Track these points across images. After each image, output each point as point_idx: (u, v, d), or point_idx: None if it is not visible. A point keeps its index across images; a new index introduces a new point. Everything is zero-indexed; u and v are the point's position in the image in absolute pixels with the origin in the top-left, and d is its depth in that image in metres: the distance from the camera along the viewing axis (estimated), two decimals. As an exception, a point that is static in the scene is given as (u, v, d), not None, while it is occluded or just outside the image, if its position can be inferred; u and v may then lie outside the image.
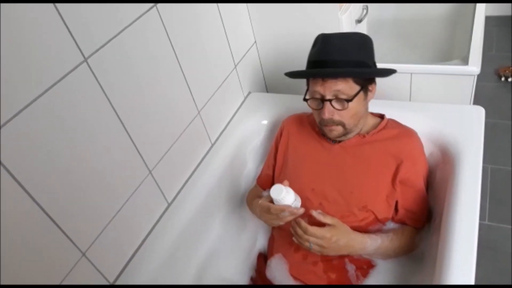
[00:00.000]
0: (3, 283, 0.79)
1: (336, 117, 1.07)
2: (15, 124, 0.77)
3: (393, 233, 1.10)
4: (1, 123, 0.75)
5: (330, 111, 1.06)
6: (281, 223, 1.07)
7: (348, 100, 1.04)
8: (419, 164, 1.14)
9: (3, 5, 0.73)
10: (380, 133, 1.15)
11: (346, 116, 1.07)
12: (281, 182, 1.24)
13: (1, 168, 0.76)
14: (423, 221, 1.15)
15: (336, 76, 1.03)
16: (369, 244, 1.06)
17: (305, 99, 1.11)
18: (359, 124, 1.13)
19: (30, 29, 0.78)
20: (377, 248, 1.06)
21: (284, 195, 1.03)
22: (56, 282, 0.90)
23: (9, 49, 0.75)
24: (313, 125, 1.25)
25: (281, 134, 1.31)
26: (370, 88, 1.10)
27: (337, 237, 1.02)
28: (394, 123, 1.19)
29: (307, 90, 1.12)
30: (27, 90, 0.79)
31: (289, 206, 1.04)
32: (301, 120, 1.30)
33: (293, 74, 1.14)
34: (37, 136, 0.82)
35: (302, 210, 1.04)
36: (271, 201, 1.06)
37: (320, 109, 1.08)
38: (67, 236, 0.90)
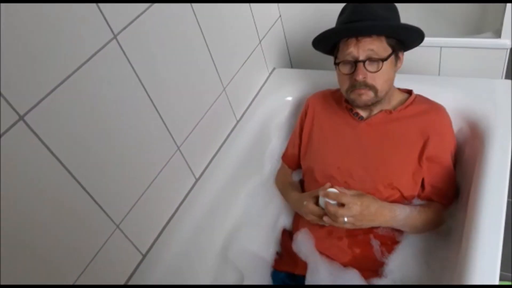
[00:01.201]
0: (38, 254, 0.84)
1: (369, 80, 1.05)
2: (50, 101, 0.80)
3: (420, 206, 1.10)
4: (37, 101, 0.78)
5: (363, 72, 1.04)
6: (321, 223, 1.09)
7: (383, 60, 1.03)
8: (446, 139, 1.12)
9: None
10: (408, 109, 1.14)
11: (379, 80, 1.05)
12: (307, 160, 1.25)
13: (39, 141, 0.79)
14: (450, 197, 1.14)
15: (371, 31, 1.03)
16: (399, 212, 1.05)
17: (335, 63, 1.10)
18: (389, 93, 1.12)
19: (60, 7, 0.80)
20: (406, 217, 1.06)
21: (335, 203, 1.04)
22: (93, 253, 0.95)
23: (40, 28, 0.77)
24: (339, 102, 1.24)
25: (306, 113, 1.30)
26: (400, 55, 1.10)
27: (367, 204, 1.02)
28: (422, 99, 1.17)
29: (336, 56, 1.12)
30: (59, 68, 0.81)
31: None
32: (325, 97, 1.29)
33: (323, 35, 1.11)
34: (71, 113, 0.85)
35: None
36: (316, 198, 1.09)
37: (352, 73, 1.06)
38: (103, 209, 0.95)
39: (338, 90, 1.29)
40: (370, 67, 1.04)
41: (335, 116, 1.23)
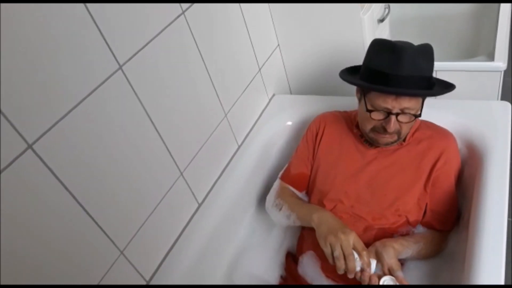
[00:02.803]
0: (46, 280, 0.84)
1: (397, 127, 1.05)
2: (58, 130, 0.83)
3: (423, 243, 1.08)
4: (46, 130, 0.81)
5: (396, 125, 1.04)
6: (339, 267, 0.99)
7: (417, 116, 1.04)
8: (452, 165, 1.13)
9: (42, 15, 0.78)
10: (414, 135, 1.16)
11: (406, 128, 1.07)
12: (314, 182, 1.24)
13: (47, 169, 0.81)
14: (451, 222, 1.14)
15: (417, 96, 1.02)
16: (400, 255, 1.05)
17: (368, 110, 1.06)
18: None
19: (69, 39, 0.83)
20: (405, 257, 1.07)
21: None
22: (97, 279, 0.95)
23: (50, 59, 0.80)
24: (350, 126, 1.23)
25: (316, 132, 1.28)
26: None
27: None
28: (427, 124, 1.19)
29: (364, 96, 1.07)
30: (67, 98, 0.84)
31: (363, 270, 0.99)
32: (337, 119, 1.28)
33: (359, 84, 1.09)
34: (78, 140, 0.87)
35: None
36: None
37: (382, 119, 1.05)
38: (107, 235, 0.96)
39: (348, 113, 1.29)
40: (404, 118, 1.04)
41: (345, 139, 1.22)
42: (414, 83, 1.00)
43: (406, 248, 1.05)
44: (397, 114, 1.02)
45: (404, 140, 1.14)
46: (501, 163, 1.10)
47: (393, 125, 1.03)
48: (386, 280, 0.98)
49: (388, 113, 1.03)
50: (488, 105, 1.30)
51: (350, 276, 0.98)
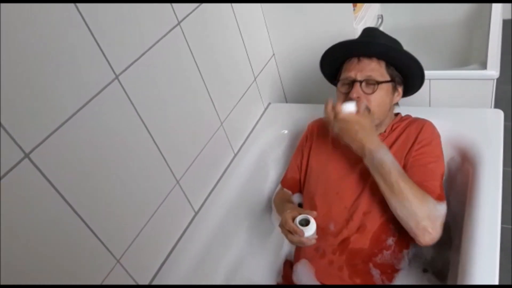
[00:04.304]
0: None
1: (363, 100, 1.10)
2: (55, 139, 0.83)
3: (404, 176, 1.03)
4: (42, 139, 0.81)
5: (358, 91, 1.10)
6: (284, 236, 1.08)
7: (379, 82, 1.10)
8: (426, 145, 1.11)
9: (37, 25, 0.79)
10: (393, 128, 1.19)
11: (373, 103, 1.10)
12: (307, 185, 1.25)
13: (43, 178, 0.82)
14: (431, 190, 1.04)
15: (371, 49, 1.12)
16: (386, 151, 1.04)
17: (337, 81, 1.18)
18: (385, 120, 1.17)
19: (66, 50, 0.84)
20: (392, 162, 1.02)
21: (308, 229, 1.03)
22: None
23: (46, 69, 0.81)
24: None
25: (306, 138, 1.34)
26: (398, 88, 1.17)
27: (358, 129, 1.05)
28: (405, 116, 1.23)
29: (338, 80, 1.19)
30: (64, 107, 0.85)
31: (302, 235, 1.03)
32: (325, 124, 1.29)
33: (327, 52, 1.20)
34: (74, 150, 0.88)
35: (311, 243, 1.04)
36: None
37: (348, 91, 1.12)
38: (104, 245, 0.96)
39: None
40: (367, 89, 1.11)
41: (334, 141, 1.25)
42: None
43: (389, 153, 1.04)
44: (360, 82, 1.10)
45: (385, 131, 1.18)
46: (494, 170, 1.11)
47: (355, 90, 1.09)
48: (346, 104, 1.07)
49: (353, 81, 1.11)
50: (481, 113, 1.32)
51: (307, 242, 1.03)
